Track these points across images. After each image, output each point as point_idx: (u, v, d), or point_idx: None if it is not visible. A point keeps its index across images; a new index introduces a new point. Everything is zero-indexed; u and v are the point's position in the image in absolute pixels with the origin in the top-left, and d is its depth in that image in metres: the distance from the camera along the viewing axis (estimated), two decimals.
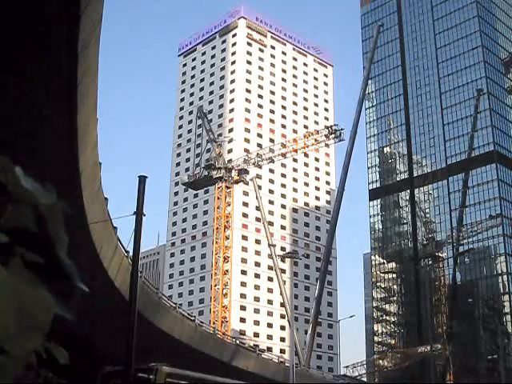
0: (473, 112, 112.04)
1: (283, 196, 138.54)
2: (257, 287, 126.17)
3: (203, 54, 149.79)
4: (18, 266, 0.89)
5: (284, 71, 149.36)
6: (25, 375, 0.92)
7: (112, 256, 27.54)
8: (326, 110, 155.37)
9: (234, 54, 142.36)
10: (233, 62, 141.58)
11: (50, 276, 0.94)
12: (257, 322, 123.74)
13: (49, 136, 18.00)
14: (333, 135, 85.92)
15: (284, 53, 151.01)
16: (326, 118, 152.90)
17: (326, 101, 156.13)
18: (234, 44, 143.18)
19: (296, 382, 43.13)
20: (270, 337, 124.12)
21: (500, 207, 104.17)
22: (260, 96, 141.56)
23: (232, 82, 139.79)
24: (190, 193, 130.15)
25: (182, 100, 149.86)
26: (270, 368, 55.19)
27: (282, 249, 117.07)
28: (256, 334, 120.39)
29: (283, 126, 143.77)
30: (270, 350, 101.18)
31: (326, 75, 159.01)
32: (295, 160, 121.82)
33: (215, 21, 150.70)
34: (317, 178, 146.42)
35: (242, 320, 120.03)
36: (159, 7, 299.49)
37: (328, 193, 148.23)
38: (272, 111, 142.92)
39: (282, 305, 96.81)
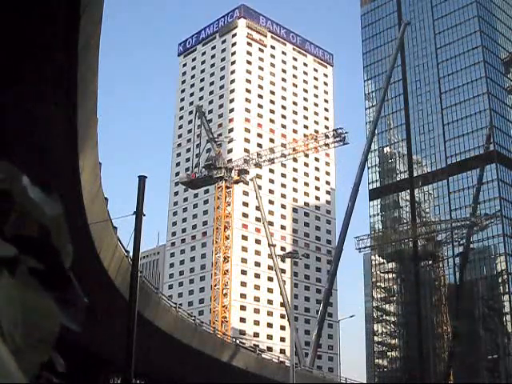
0: (473, 112, 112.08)
1: (283, 196, 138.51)
2: (257, 287, 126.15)
3: (203, 53, 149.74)
4: (23, 274, 0.89)
5: (284, 71, 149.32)
6: None
7: (112, 256, 27.54)
8: (326, 109, 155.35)
9: (233, 53, 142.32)
10: (233, 62, 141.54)
11: (56, 285, 0.94)
12: (257, 322, 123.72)
13: (49, 136, 17.99)
14: (338, 138, 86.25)
15: (284, 53, 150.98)
16: (326, 118, 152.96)
17: (325, 101, 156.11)
18: (233, 44, 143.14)
19: (296, 382, 43.14)
20: (269, 337, 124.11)
21: (500, 207, 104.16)
22: (260, 96, 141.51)
23: (232, 81, 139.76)
24: (190, 193, 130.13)
25: (182, 100, 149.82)
26: (270, 368, 55.18)
27: (282, 249, 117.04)
28: (256, 334, 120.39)
29: (283, 126, 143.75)
30: (270, 349, 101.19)
31: (325, 75, 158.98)
32: (295, 160, 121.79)
33: (215, 21, 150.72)
34: (317, 178, 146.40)
35: (242, 320, 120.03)
36: (159, 7, 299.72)
37: (328, 193, 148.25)
38: (272, 111, 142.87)
39: (282, 305, 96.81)
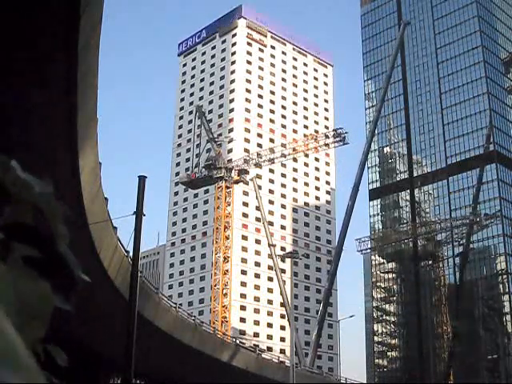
0: (473, 112, 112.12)
1: (283, 196, 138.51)
2: (257, 287, 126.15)
3: (203, 53, 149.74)
4: (16, 260, 0.90)
5: (284, 71, 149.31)
6: None
7: (112, 256, 27.54)
8: (326, 109, 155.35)
9: (233, 53, 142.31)
10: (233, 62, 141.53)
11: (50, 270, 0.95)
12: (257, 322, 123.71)
13: (49, 136, 18.00)
14: (338, 138, 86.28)
15: (284, 53, 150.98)
16: (326, 118, 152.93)
17: (325, 101, 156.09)
18: (233, 44, 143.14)
19: (296, 382, 43.13)
20: (270, 337, 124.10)
21: (500, 207, 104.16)
22: (260, 96, 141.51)
23: (232, 81, 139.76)
24: (190, 193, 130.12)
25: (182, 100, 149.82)
26: (270, 368, 55.17)
27: (282, 249, 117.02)
28: (256, 334, 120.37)
29: (283, 126, 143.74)
30: (270, 350, 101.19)
31: (325, 75, 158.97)
32: (295, 160, 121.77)
33: (215, 21, 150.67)
34: (317, 178, 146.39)
35: (242, 320, 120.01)
36: (159, 7, 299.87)
37: (328, 193, 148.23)
38: (272, 111, 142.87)
39: (282, 305, 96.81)
